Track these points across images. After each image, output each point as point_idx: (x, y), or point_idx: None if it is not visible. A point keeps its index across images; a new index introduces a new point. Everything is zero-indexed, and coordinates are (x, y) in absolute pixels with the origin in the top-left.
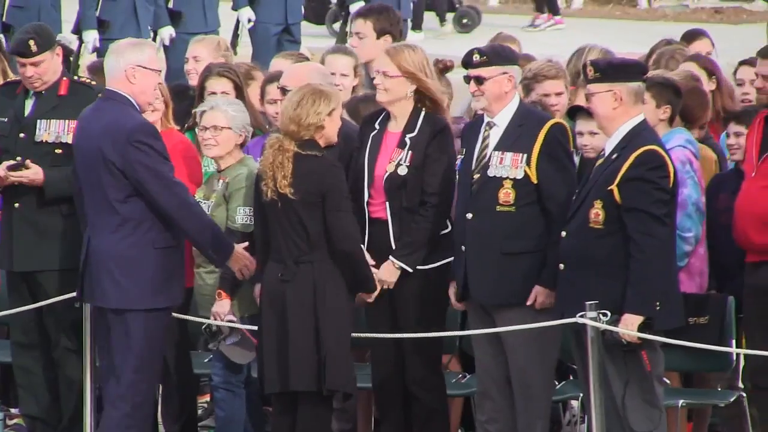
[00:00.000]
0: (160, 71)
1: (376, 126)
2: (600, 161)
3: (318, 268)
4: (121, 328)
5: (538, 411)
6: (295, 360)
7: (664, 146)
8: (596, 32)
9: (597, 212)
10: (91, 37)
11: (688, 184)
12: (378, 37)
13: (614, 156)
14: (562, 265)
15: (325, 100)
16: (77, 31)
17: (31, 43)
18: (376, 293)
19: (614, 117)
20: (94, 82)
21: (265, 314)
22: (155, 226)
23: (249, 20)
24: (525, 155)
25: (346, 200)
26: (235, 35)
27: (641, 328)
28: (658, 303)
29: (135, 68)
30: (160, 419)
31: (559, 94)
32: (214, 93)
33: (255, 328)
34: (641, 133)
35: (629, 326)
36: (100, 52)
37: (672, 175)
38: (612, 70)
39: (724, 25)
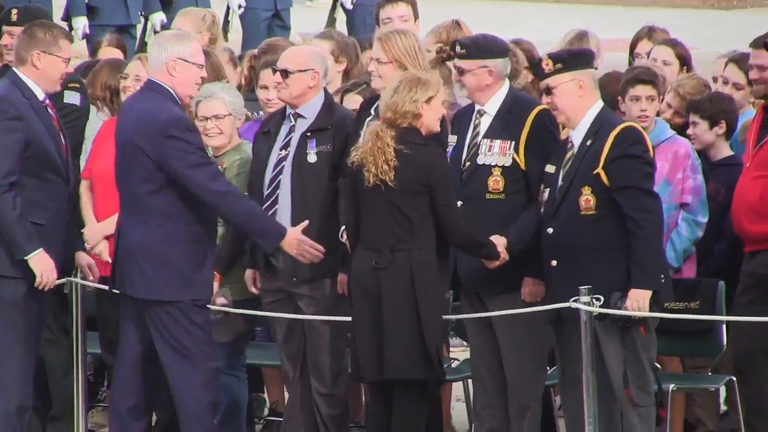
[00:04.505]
0: (203, 66)
1: (372, 112)
2: (569, 153)
3: (415, 256)
4: (156, 319)
5: (529, 396)
6: (390, 348)
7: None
8: (584, 18)
9: (587, 198)
10: (81, 23)
11: (700, 171)
12: (415, 21)
13: (589, 142)
14: (554, 262)
15: (422, 87)
16: (67, 17)
17: (14, 11)
18: (502, 258)
19: (580, 106)
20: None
21: (356, 303)
22: (184, 218)
23: (239, 6)
24: (513, 142)
25: (452, 191)
26: (226, 21)
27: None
28: (662, 276)
29: (176, 61)
30: None
31: None
32: None
33: (250, 312)
34: (608, 116)
35: (639, 302)
36: (90, 38)
37: (651, 149)
38: (572, 58)
39: (715, 11)
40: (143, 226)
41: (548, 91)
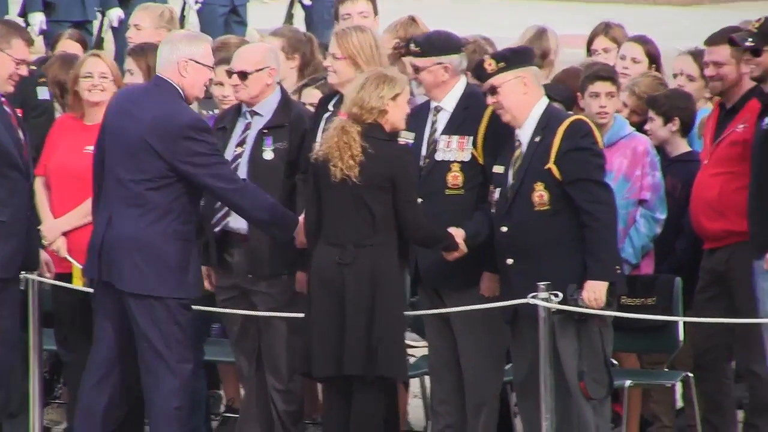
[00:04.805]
0: (214, 67)
1: (330, 108)
2: (517, 152)
3: (378, 252)
4: (140, 314)
5: (486, 393)
6: (350, 344)
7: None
8: (541, 14)
9: (541, 194)
10: (37, 19)
11: (658, 168)
12: (374, 17)
13: (537, 138)
14: (510, 260)
15: (389, 84)
16: (23, 13)
17: None
18: (461, 249)
19: (525, 104)
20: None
21: (317, 298)
22: (181, 217)
23: (196, 1)
24: (471, 137)
25: (415, 188)
26: (182, 16)
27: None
28: (617, 267)
29: (188, 62)
30: None
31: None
32: (128, 71)
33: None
34: (554, 112)
35: (596, 293)
36: (47, 34)
37: (600, 142)
38: (515, 56)
39: (672, 7)
40: (140, 220)
41: (493, 90)
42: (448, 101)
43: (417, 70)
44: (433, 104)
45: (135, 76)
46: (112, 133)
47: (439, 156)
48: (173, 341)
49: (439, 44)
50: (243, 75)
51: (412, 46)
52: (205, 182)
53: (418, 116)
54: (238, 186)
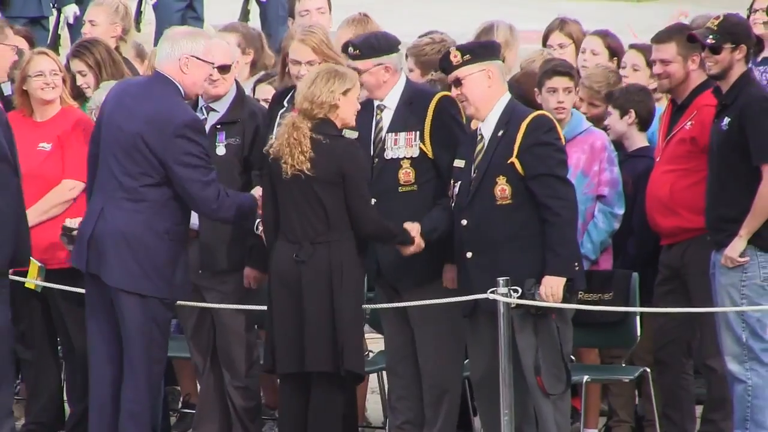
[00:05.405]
0: (214, 63)
1: (285, 104)
2: (480, 146)
3: (335, 248)
4: (123, 309)
5: (445, 385)
6: (311, 341)
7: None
8: (498, 9)
9: (503, 188)
10: None
11: (616, 163)
12: (330, 12)
13: (500, 133)
14: (469, 254)
15: (340, 79)
16: None
17: None
18: (416, 244)
19: (489, 96)
20: None
21: (276, 295)
22: (174, 217)
23: None
24: (417, 132)
25: (365, 183)
26: (138, 12)
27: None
28: (576, 264)
29: (189, 58)
30: (65, 398)
31: None
32: (79, 72)
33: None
34: (517, 107)
35: (553, 288)
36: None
37: (562, 137)
38: (480, 49)
39: (624, 2)
40: (134, 215)
41: (457, 82)
42: (391, 99)
43: (358, 72)
44: (376, 102)
45: (87, 77)
46: (109, 127)
47: (388, 154)
48: (150, 340)
49: (377, 45)
50: (226, 68)
51: (351, 50)
52: (186, 186)
53: (361, 115)
54: (218, 205)
